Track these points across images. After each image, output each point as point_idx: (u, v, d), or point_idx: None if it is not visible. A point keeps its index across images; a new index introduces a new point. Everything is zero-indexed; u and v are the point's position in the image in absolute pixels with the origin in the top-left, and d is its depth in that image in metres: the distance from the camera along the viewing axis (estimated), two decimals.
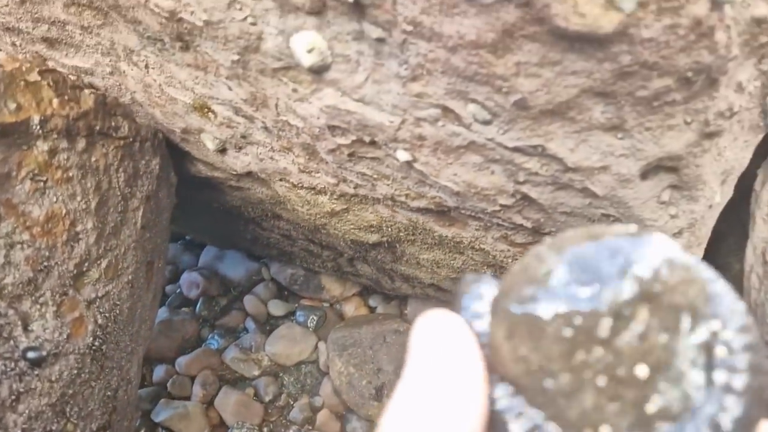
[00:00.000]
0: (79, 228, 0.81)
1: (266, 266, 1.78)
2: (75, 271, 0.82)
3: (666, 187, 0.67)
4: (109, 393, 0.90)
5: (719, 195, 0.71)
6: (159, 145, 0.99)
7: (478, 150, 0.69)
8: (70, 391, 0.81)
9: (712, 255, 1.11)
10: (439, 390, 0.27)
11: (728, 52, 0.53)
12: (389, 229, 1.03)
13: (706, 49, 0.51)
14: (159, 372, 1.61)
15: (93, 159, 0.84)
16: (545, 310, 0.29)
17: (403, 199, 0.88)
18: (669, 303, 0.28)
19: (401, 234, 1.03)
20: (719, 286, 0.29)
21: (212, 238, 1.80)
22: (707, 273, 0.30)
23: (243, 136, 0.91)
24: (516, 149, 0.65)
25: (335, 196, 0.98)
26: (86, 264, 0.83)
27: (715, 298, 0.29)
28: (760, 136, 0.71)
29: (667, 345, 0.28)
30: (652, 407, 0.28)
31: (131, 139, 0.91)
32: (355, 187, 0.92)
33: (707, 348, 0.28)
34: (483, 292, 0.33)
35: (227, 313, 1.72)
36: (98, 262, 0.85)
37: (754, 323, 0.29)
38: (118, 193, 0.88)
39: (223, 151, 0.98)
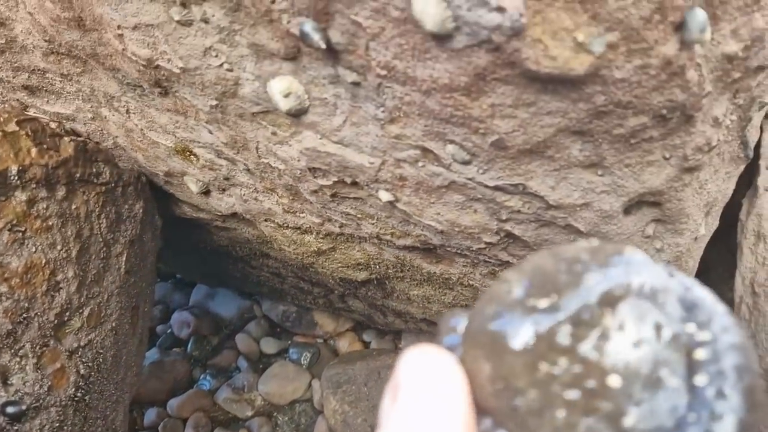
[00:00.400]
0: (59, 277, 0.80)
1: (258, 304, 1.76)
2: (56, 321, 0.80)
3: (650, 221, 0.67)
4: None
5: (704, 227, 0.70)
6: (142, 189, 0.98)
7: (459, 189, 0.68)
8: None
9: (703, 283, 1.10)
10: (427, 427, 0.26)
11: (701, 90, 0.53)
12: (377, 267, 1.02)
13: (678, 87, 0.51)
14: (150, 415, 1.58)
15: (73, 206, 0.83)
16: (503, 324, 0.28)
17: (388, 237, 0.87)
18: (637, 307, 0.27)
19: (390, 271, 1.02)
20: (695, 291, 0.28)
21: (202, 277, 1.78)
22: (678, 279, 0.29)
23: (226, 178, 0.90)
24: (497, 188, 0.65)
25: (321, 236, 0.97)
26: (67, 313, 0.82)
27: (687, 301, 0.28)
28: (742, 167, 0.71)
29: (641, 351, 0.27)
30: (629, 420, 0.26)
31: (113, 185, 0.90)
32: (340, 227, 0.91)
33: (687, 352, 0.27)
34: (456, 325, 0.32)
35: (219, 352, 1.70)
36: (80, 310, 0.84)
37: (735, 324, 0.27)
38: (100, 240, 0.87)
39: (206, 193, 0.97)
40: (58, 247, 0.80)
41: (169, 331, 1.76)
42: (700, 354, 0.27)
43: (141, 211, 0.97)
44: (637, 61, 0.49)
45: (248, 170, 0.86)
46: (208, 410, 1.57)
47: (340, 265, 1.05)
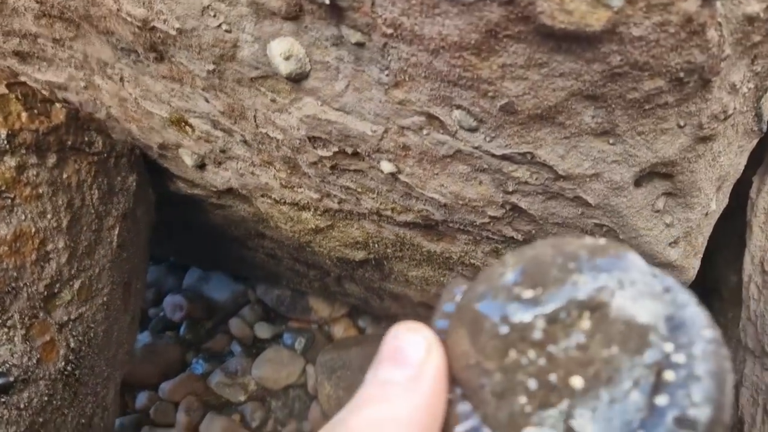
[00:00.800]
0: (49, 247, 0.78)
1: (252, 288, 1.74)
2: (45, 293, 0.78)
3: (660, 195, 0.65)
4: (83, 421, 0.85)
5: (715, 202, 0.69)
6: (136, 162, 0.96)
7: (464, 159, 0.66)
8: (41, 419, 0.77)
9: (708, 268, 1.08)
10: (399, 387, 0.28)
11: (720, 51, 0.51)
12: (376, 246, 1.00)
13: (697, 47, 0.49)
14: (141, 399, 1.56)
15: (64, 175, 0.80)
16: (486, 306, 0.29)
17: (389, 213, 0.85)
18: (618, 316, 0.27)
19: (388, 250, 1.00)
20: (686, 311, 0.28)
21: (196, 260, 1.76)
22: (672, 296, 0.28)
23: (222, 151, 0.88)
24: (504, 157, 0.63)
25: (319, 212, 0.95)
26: (57, 285, 0.79)
27: (674, 320, 0.27)
28: (755, 141, 0.69)
29: (611, 360, 0.27)
30: (582, 422, 0.27)
31: (106, 155, 0.88)
32: (339, 202, 0.89)
33: (657, 371, 0.27)
34: (457, 294, 0.33)
35: (212, 336, 1.68)
36: (71, 283, 0.81)
37: (717, 352, 0.27)
38: (92, 211, 0.85)
39: (202, 167, 0.95)
40: (48, 216, 0.77)
41: (161, 314, 1.73)
42: (669, 375, 0.26)
43: (134, 184, 0.94)
44: (656, 17, 0.47)
45: (245, 142, 0.83)
46: (200, 394, 1.55)
47: (337, 243, 1.03)
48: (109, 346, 0.93)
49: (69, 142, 0.82)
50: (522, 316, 0.28)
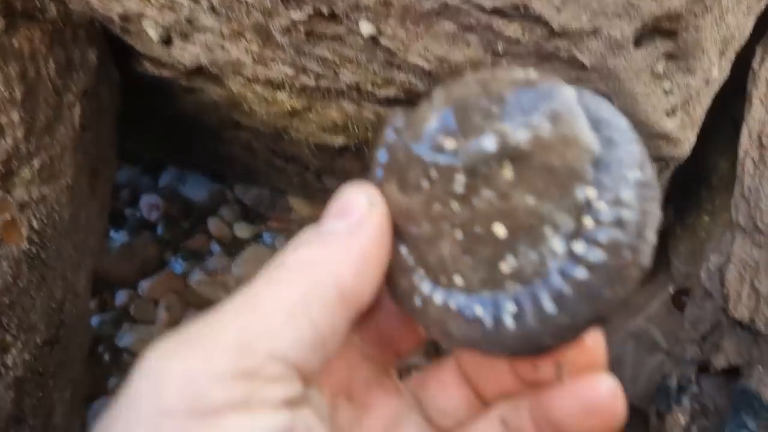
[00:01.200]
0: (3, 120, 0.72)
1: (230, 188, 1.70)
2: (3, 170, 0.73)
3: (661, 56, 0.61)
4: (53, 305, 0.83)
5: (717, 69, 0.64)
6: (96, 36, 0.88)
7: (452, 15, 0.61)
8: (7, 300, 0.74)
9: (699, 154, 1.06)
10: (339, 236, 0.29)
11: None
12: (356, 129, 0.95)
13: None
14: (121, 297, 1.54)
15: (15, 43, 0.74)
16: (409, 157, 0.29)
17: (369, 88, 0.79)
18: (542, 163, 0.27)
19: (369, 134, 0.95)
20: (616, 151, 0.27)
21: (169, 156, 1.70)
22: (610, 134, 0.27)
23: (188, 21, 0.81)
24: (495, 11, 0.58)
25: (295, 91, 0.89)
26: (15, 162, 0.74)
27: (601, 163, 0.27)
28: (763, 4, 0.64)
29: (534, 208, 0.27)
30: (505, 267, 0.27)
31: (62, 24, 0.81)
32: (316, 78, 0.84)
33: (577, 216, 0.27)
34: (397, 124, 0.32)
35: (190, 236, 1.64)
36: (30, 161, 0.76)
37: (641, 195, 0.26)
38: (49, 85, 0.78)
39: (168, 41, 0.88)
40: (0, 87, 0.71)
41: (138, 214, 1.69)
42: (588, 222, 0.26)
43: (95, 59, 0.87)
44: None
45: (213, 9, 0.77)
46: (180, 293, 1.54)
47: (315, 127, 0.98)
48: (77, 231, 0.89)
49: (18, 7, 0.74)
50: (442, 169, 0.28)
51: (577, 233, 0.27)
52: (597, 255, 0.26)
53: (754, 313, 0.71)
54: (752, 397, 0.71)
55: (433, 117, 0.29)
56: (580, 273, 0.26)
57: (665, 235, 1.27)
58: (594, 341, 0.30)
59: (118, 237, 1.62)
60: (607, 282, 0.26)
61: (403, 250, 0.31)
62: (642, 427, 1.13)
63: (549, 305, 0.27)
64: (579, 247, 0.26)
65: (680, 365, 0.89)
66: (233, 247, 1.61)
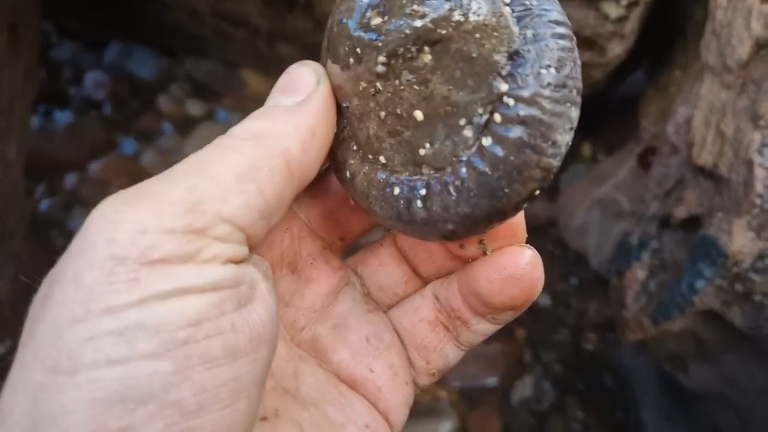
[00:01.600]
0: None
1: (180, 62, 1.59)
2: None
3: None
4: None
5: None
6: None
7: None
8: None
9: (674, 4, 1.00)
10: (285, 110, 0.29)
11: None
12: None
13: None
14: (70, 180, 1.47)
15: None
16: (341, 32, 0.29)
17: None
18: (459, 51, 0.27)
19: None
20: (524, 46, 0.26)
21: (111, 28, 1.57)
22: (533, 23, 0.26)
23: None
24: None
25: None
26: None
27: (518, 57, 0.26)
28: None
29: (449, 97, 0.27)
30: (422, 152, 0.28)
31: None
32: None
33: (490, 110, 0.27)
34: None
35: (140, 115, 1.56)
36: None
37: (552, 97, 0.26)
38: None
39: None
40: None
41: (83, 93, 1.59)
42: (497, 117, 0.26)
43: None
44: None
45: None
46: (132, 174, 1.47)
47: None
48: (0, 95, 0.81)
49: None
50: (365, 47, 0.28)
51: (486, 127, 0.27)
52: (498, 151, 0.26)
53: (718, 157, 0.68)
54: (710, 245, 0.70)
55: None
56: (482, 166, 0.27)
57: (634, 101, 1.23)
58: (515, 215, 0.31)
59: (63, 117, 1.53)
60: (505, 178, 0.26)
61: (341, 123, 0.31)
62: (604, 293, 1.14)
63: (453, 193, 0.27)
64: (486, 140, 0.27)
65: (642, 222, 0.87)
66: (185, 125, 1.53)
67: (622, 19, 0.94)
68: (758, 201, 0.64)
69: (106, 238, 0.24)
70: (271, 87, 0.31)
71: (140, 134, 1.53)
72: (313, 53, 1.08)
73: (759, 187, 0.63)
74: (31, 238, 1.26)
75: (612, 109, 1.41)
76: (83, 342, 0.22)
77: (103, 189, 1.44)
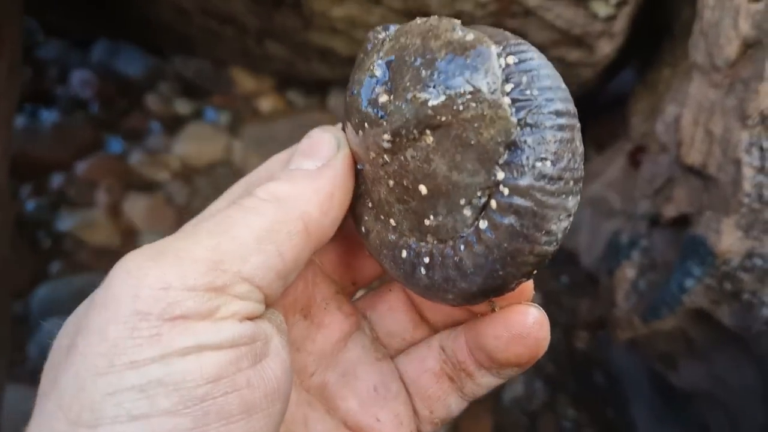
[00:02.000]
0: None
1: (168, 61, 1.58)
2: None
3: None
4: None
5: None
6: None
7: None
8: None
9: (662, 4, 1.00)
10: (306, 174, 0.31)
11: None
12: None
13: None
14: (57, 180, 1.45)
15: None
16: (353, 103, 0.30)
17: None
18: (458, 137, 0.27)
19: None
20: (531, 135, 0.26)
21: (98, 26, 1.56)
22: (530, 106, 0.27)
23: None
24: None
25: None
26: None
27: (514, 147, 0.27)
28: None
29: (450, 177, 0.28)
30: (427, 222, 0.30)
31: None
32: None
33: (488, 194, 0.28)
34: (383, 31, 0.32)
35: (128, 114, 1.54)
36: None
37: (543, 188, 0.26)
38: None
39: None
40: None
41: (69, 92, 1.57)
42: (493, 204, 0.27)
43: None
44: None
45: None
46: (119, 174, 1.46)
47: None
48: None
49: None
50: (373, 123, 0.29)
51: (484, 209, 0.28)
52: (493, 236, 0.27)
53: (707, 156, 0.68)
54: (699, 244, 0.70)
55: (377, 66, 0.30)
56: (478, 248, 0.28)
57: (624, 99, 1.23)
58: None
59: (50, 117, 1.51)
60: (499, 262, 0.28)
61: (359, 180, 0.33)
62: (594, 292, 1.14)
63: (452, 268, 0.29)
64: (483, 223, 0.28)
65: (632, 221, 0.87)
66: (174, 124, 1.51)
67: (611, 18, 0.93)
68: (746, 200, 0.64)
69: (130, 294, 0.25)
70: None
71: (128, 133, 1.51)
72: (301, 52, 1.08)
73: (747, 186, 0.63)
74: (17, 239, 1.24)
75: (601, 107, 1.41)
76: (106, 396, 0.23)
77: (90, 189, 1.42)
